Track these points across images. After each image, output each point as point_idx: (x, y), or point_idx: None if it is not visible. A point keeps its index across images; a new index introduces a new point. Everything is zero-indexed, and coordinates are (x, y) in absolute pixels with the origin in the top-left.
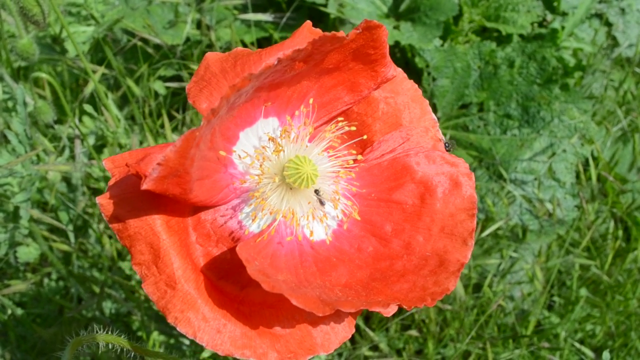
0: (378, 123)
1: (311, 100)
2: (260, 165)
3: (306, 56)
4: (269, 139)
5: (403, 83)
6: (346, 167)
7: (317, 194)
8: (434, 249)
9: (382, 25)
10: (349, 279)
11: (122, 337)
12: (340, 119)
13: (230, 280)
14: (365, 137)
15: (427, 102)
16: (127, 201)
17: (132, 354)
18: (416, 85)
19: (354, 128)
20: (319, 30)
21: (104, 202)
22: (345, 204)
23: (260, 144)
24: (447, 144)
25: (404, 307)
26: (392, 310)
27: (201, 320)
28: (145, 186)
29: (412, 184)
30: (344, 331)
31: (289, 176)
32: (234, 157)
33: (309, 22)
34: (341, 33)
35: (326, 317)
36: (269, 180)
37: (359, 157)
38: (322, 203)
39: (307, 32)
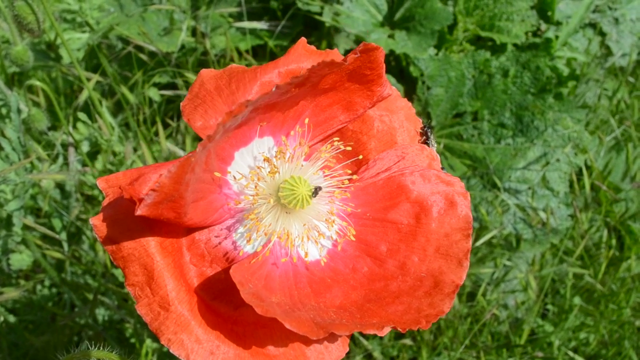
0: (373, 141)
1: (307, 120)
2: (255, 186)
3: (304, 80)
4: (264, 159)
5: (397, 101)
6: (341, 187)
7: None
8: (429, 269)
9: (379, 47)
10: (344, 300)
11: (115, 347)
12: (335, 138)
13: (224, 300)
14: (360, 157)
15: (421, 121)
16: (121, 222)
17: None
18: (410, 104)
19: (349, 148)
20: (313, 48)
21: (98, 224)
22: (340, 224)
23: (255, 164)
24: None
25: (399, 329)
26: (386, 331)
27: (194, 342)
28: (139, 212)
29: (407, 203)
30: (337, 350)
31: (284, 197)
32: (229, 177)
33: (303, 40)
34: (339, 57)
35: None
36: (264, 201)
37: (354, 176)
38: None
39: (302, 49)
